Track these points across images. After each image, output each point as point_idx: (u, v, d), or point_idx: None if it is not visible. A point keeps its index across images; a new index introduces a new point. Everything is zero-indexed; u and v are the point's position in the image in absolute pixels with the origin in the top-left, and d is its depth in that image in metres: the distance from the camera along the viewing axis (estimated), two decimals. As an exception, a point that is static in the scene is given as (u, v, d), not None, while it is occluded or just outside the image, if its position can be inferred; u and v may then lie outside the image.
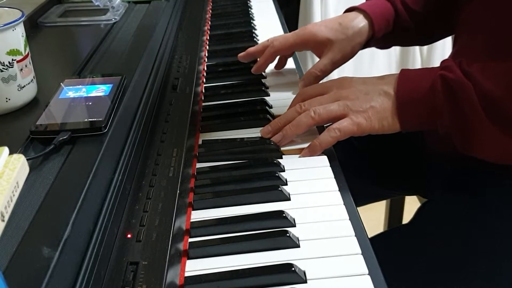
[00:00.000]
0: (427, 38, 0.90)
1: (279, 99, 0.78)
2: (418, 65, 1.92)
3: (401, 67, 1.95)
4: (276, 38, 0.81)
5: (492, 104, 0.56)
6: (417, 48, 1.90)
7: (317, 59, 0.79)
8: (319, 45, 0.78)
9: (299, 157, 0.62)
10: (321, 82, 0.66)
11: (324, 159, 0.61)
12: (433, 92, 0.59)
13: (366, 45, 0.80)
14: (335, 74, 1.85)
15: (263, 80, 0.83)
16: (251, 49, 0.84)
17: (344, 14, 0.80)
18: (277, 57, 0.85)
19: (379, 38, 0.79)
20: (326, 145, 0.61)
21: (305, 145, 0.63)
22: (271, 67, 0.88)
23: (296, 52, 0.89)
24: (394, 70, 1.96)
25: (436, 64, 2.18)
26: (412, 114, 0.60)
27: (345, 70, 1.90)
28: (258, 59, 0.83)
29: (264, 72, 0.86)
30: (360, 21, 0.77)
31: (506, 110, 0.56)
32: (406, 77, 0.62)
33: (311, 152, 0.62)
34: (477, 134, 0.58)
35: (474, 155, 0.60)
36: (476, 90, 0.57)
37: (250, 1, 1.26)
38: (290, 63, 0.89)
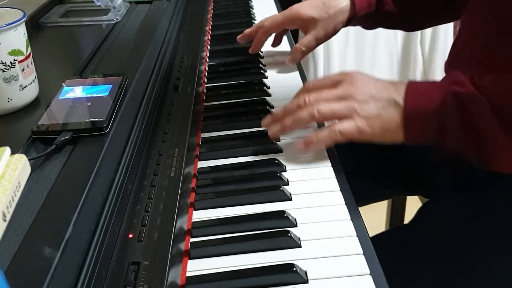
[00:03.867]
0: (412, 25, 0.93)
1: (281, 99, 0.78)
2: (419, 64, 1.92)
3: (403, 66, 1.95)
4: (266, 19, 0.89)
5: (508, 118, 0.54)
6: (418, 47, 1.89)
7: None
8: (304, 23, 0.84)
9: (296, 150, 0.60)
10: (330, 75, 0.64)
11: (325, 159, 0.61)
12: (443, 108, 0.56)
13: (348, 23, 0.85)
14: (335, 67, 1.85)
15: (264, 80, 0.83)
16: (247, 30, 0.91)
17: None
18: (273, 36, 0.93)
19: (361, 17, 0.84)
20: (323, 144, 0.60)
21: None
22: (272, 66, 0.89)
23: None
24: (395, 69, 1.96)
25: (438, 63, 2.16)
26: (419, 129, 0.58)
27: (347, 68, 1.90)
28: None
29: (266, 72, 0.86)
30: (342, 1, 0.83)
31: None
32: (415, 90, 0.59)
33: (305, 146, 0.60)
34: (494, 149, 0.56)
35: (490, 169, 0.58)
36: (491, 104, 0.54)
37: (251, 1, 1.26)
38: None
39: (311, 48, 0.84)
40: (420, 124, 0.58)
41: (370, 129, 0.58)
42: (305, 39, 0.83)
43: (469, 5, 0.71)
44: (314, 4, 0.84)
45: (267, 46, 0.94)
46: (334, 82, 0.62)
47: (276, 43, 0.94)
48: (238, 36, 0.92)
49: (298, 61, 0.86)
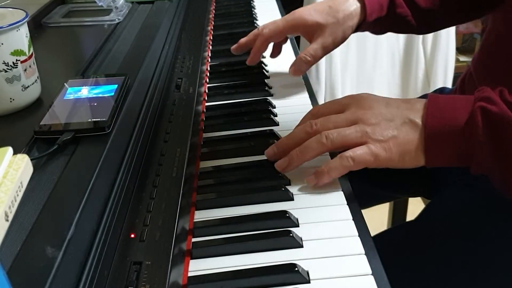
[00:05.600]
0: (423, 27, 0.85)
1: (282, 99, 0.78)
2: (421, 65, 1.91)
3: (405, 67, 1.95)
4: (266, 26, 0.79)
5: None
6: (420, 47, 1.89)
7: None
8: (309, 30, 0.75)
9: (306, 182, 0.56)
10: (337, 99, 0.58)
11: (327, 160, 0.61)
12: (471, 127, 0.50)
13: (357, 29, 0.77)
14: (338, 73, 1.85)
15: (266, 80, 0.83)
16: (242, 40, 0.82)
17: None
18: (271, 45, 0.84)
19: (371, 22, 0.77)
20: (336, 174, 0.54)
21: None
22: (274, 66, 0.88)
23: (298, 49, 0.89)
24: (397, 69, 1.96)
25: (440, 63, 2.15)
26: (443, 150, 0.52)
27: (348, 69, 1.90)
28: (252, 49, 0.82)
29: (268, 72, 0.86)
30: (351, 4, 0.75)
31: None
32: (437, 105, 0.53)
33: (317, 179, 0.54)
34: None
35: None
36: None
37: (253, 1, 1.26)
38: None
39: (317, 58, 0.75)
40: (443, 145, 0.52)
41: (387, 154, 0.53)
42: (311, 48, 0.74)
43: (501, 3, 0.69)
44: (319, 8, 0.75)
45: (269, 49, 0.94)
46: (342, 106, 0.57)
47: (275, 54, 0.86)
48: (233, 47, 0.83)
49: (303, 72, 0.78)
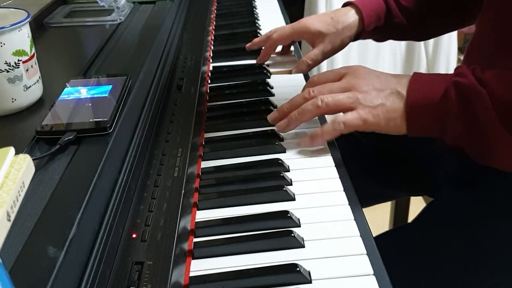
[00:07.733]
0: (420, 34, 0.93)
1: (284, 99, 0.77)
2: (423, 64, 1.91)
3: (407, 66, 1.95)
4: (275, 30, 0.90)
5: (507, 112, 0.54)
6: (422, 47, 1.89)
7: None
8: (312, 37, 0.85)
9: (298, 143, 0.62)
10: (334, 69, 0.66)
11: (329, 160, 0.61)
12: (445, 99, 0.57)
13: (358, 37, 0.86)
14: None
15: (268, 80, 0.83)
16: (255, 40, 0.93)
17: (338, 9, 0.87)
18: (280, 46, 0.94)
19: (370, 31, 0.85)
20: (328, 137, 0.60)
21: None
22: (275, 66, 0.89)
23: (300, 51, 0.92)
24: (399, 69, 1.96)
25: (441, 63, 2.15)
26: (421, 119, 0.59)
27: (350, 70, 1.90)
28: (262, 49, 0.92)
29: (269, 73, 0.86)
30: (350, 16, 0.83)
31: None
32: (419, 81, 0.60)
33: (311, 141, 0.61)
34: (492, 143, 0.56)
35: (488, 164, 0.59)
36: (491, 97, 0.55)
37: (254, 1, 1.26)
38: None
39: (317, 62, 0.85)
40: (422, 115, 0.58)
41: (374, 119, 0.59)
42: (312, 53, 0.84)
43: (483, 7, 0.72)
44: (322, 19, 0.84)
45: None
46: (338, 75, 0.64)
47: (283, 53, 0.95)
48: (247, 45, 0.93)
49: (304, 73, 0.86)
